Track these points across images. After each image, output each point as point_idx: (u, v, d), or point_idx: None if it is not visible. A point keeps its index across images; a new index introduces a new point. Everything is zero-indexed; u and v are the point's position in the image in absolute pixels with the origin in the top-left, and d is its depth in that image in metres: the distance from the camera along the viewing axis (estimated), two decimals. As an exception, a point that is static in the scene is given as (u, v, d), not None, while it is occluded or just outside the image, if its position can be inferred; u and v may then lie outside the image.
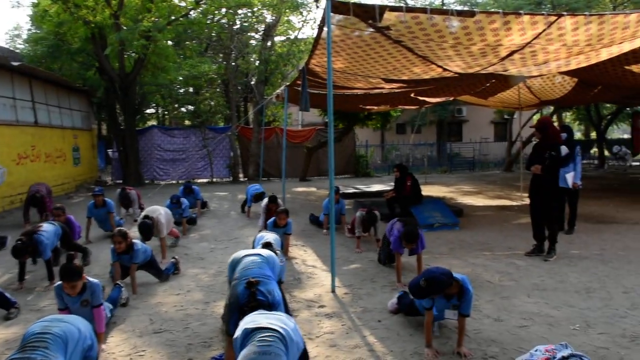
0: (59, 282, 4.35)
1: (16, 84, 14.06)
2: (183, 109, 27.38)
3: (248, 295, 3.61)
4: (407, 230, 5.86)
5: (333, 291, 5.81)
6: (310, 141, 21.94)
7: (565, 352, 2.94)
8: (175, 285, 6.24)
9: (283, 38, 24.80)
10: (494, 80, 11.38)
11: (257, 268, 4.00)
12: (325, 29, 5.84)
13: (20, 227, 9.85)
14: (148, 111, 30.29)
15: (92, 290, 4.39)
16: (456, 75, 9.07)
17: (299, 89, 9.65)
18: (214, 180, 21.18)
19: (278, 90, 13.61)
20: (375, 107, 16.09)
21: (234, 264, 4.31)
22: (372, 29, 6.48)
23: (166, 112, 31.86)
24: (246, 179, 21.02)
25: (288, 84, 11.85)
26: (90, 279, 4.47)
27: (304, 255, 7.73)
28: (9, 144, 13.21)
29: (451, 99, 15.41)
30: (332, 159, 5.93)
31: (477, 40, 6.75)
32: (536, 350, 3.20)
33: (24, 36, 29.62)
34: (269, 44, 21.86)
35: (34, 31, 23.61)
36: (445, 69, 8.59)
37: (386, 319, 4.90)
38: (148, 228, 7.06)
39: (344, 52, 7.75)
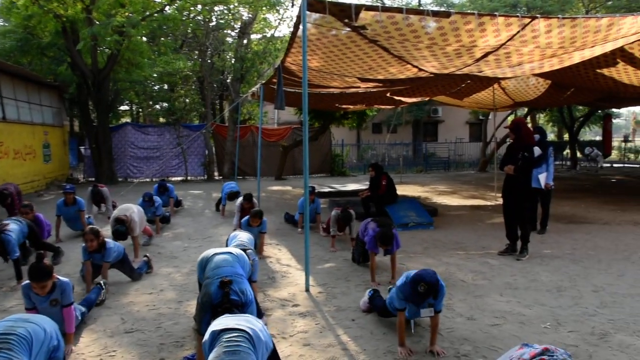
0: (27, 282, 4.24)
1: (-16, 78, 13.71)
2: (157, 106, 27.04)
3: (222, 295, 3.57)
4: (382, 232, 5.87)
5: (307, 290, 5.80)
6: (285, 140, 21.91)
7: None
8: (147, 284, 6.15)
9: (259, 36, 24.71)
10: (469, 82, 11.51)
11: (229, 267, 3.95)
12: (301, 27, 5.82)
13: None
14: (122, 108, 29.87)
15: (62, 289, 4.29)
16: (431, 75, 9.14)
17: (275, 87, 9.60)
18: (189, 178, 20.98)
19: (254, 88, 13.53)
20: (351, 106, 16.12)
21: (204, 262, 4.25)
22: (348, 28, 6.48)
23: (140, 109, 31.43)
24: (221, 177, 20.90)
25: (264, 82, 11.79)
26: (61, 277, 4.37)
27: (278, 254, 7.69)
28: (-24, 139, 12.88)
29: (427, 99, 15.52)
30: (307, 157, 5.91)
31: (452, 41, 6.80)
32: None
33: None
34: (245, 41, 21.77)
35: (2, 24, 23.00)
36: (420, 69, 8.64)
37: (360, 318, 4.90)
38: (122, 235, 6.94)
39: (319, 51, 7.73)
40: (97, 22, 16.57)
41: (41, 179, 17.11)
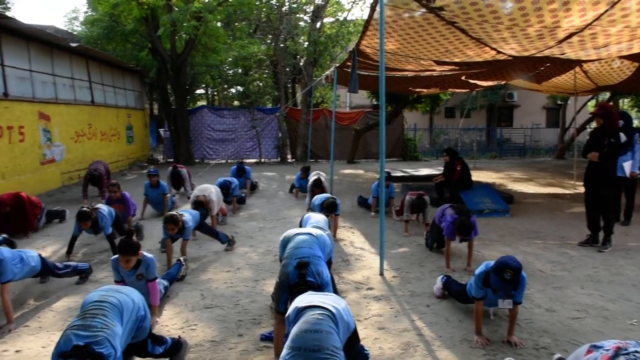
0: (116, 256, 4.51)
1: (74, 64, 14.55)
2: (232, 90, 27.64)
3: (298, 277, 3.65)
4: (461, 221, 5.71)
5: (381, 274, 5.82)
6: (358, 123, 21.85)
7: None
8: (225, 263, 6.38)
9: (332, 19, 24.66)
10: (548, 64, 11.02)
11: (307, 248, 3.99)
12: (377, 9, 5.77)
13: (78, 203, 10.26)
14: (198, 91, 30.76)
15: (147, 265, 4.53)
16: (510, 58, 8.83)
17: (349, 70, 9.59)
18: (262, 160, 21.40)
19: (327, 72, 13.55)
20: (425, 90, 15.84)
21: (285, 242, 4.34)
22: (424, 10, 6.36)
23: (215, 93, 32.28)
24: (294, 160, 21.15)
25: (337, 65, 11.79)
26: (146, 253, 4.61)
27: (352, 237, 7.75)
28: (68, 122, 13.72)
29: (503, 82, 15.01)
30: (384, 141, 5.88)
31: (534, 22, 6.53)
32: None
33: (81, 19, 30.43)
34: (318, 25, 21.78)
35: (90, 13, 24.25)
36: (499, 52, 8.36)
37: (435, 304, 4.88)
38: (202, 216, 7.19)
39: (395, 34, 7.63)
40: (176, 9, 17.12)
41: (124, 159, 18.03)
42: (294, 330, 2.76)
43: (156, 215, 9.39)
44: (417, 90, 15.82)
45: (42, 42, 12.70)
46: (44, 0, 76.88)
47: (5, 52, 11.19)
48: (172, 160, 19.97)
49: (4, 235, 6.75)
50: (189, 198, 9.40)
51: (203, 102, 31.62)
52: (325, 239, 4.37)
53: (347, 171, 17.46)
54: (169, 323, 4.52)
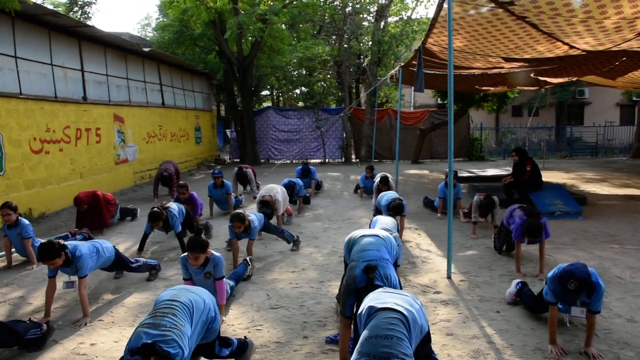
0: (185, 254, 4.62)
1: (147, 68, 15.12)
2: (297, 91, 27.88)
3: (365, 280, 3.58)
4: (530, 223, 5.46)
5: (449, 277, 5.68)
6: (423, 123, 21.52)
7: None
8: (290, 263, 6.41)
9: (396, 18, 24.39)
10: (624, 59, 10.44)
11: (375, 250, 3.90)
12: (445, 5, 5.63)
13: (149, 201, 10.65)
14: (263, 93, 31.21)
15: (215, 263, 4.61)
16: (583, 53, 8.42)
17: (414, 69, 9.44)
18: (327, 160, 21.46)
19: (392, 71, 13.41)
20: (492, 88, 15.38)
21: (351, 243, 4.24)
22: (494, 4, 6.16)
23: (280, 94, 32.66)
24: (358, 160, 21.09)
25: (402, 64, 11.64)
26: (214, 252, 4.70)
27: (418, 239, 7.62)
28: (140, 124, 14.27)
29: (574, 79, 14.35)
30: (452, 141, 5.74)
31: (611, 14, 6.18)
32: None
33: (153, 25, 31.61)
34: (382, 24, 21.60)
35: (161, 20, 25.15)
36: (572, 47, 7.99)
37: (505, 310, 4.70)
38: (267, 216, 7.29)
39: (463, 30, 7.44)
40: (243, 12, 17.46)
41: (193, 159, 18.57)
42: (365, 334, 2.70)
43: (222, 214, 9.58)
44: (484, 88, 15.39)
45: (118, 47, 13.27)
46: (120, 9, 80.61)
47: (85, 58, 11.77)
48: (238, 160, 20.38)
49: (85, 232, 7.09)
50: (254, 198, 9.58)
51: (268, 104, 32.06)
52: (392, 241, 4.26)
53: (412, 171, 17.22)
54: (234, 322, 4.57)
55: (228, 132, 24.16)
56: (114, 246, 5.47)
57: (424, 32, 19.54)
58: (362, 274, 3.61)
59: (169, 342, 2.84)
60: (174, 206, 6.96)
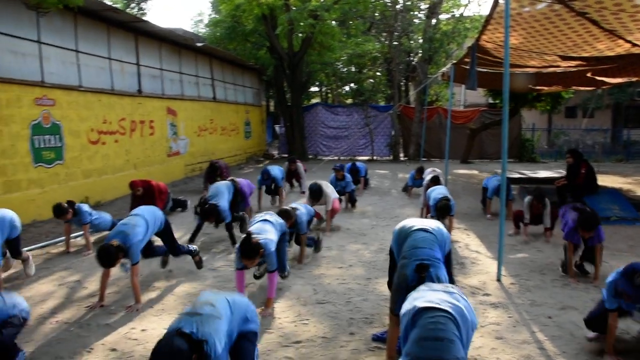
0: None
1: (199, 63, 15.43)
2: (346, 88, 27.85)
3: (417, 280, 3.49)
4: (586, 215, 5.29)
5: (499, 280, 5.55)
6: (473, 122, 21.12)
7: None
8: (337, 259, 6.42)
9: (448, 16, 24.01)
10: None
11: (427, 248, 3.78)
12: (501, 1, 5.50)
13: (200, 193, 10.85)
14: (312, 89, 31.32)
15: (267, 258, 4.65)
16: (647, 51, 8.08)
17: (466, 67, 9.26)
18: (375, 158, 21.36)
19: (444, 69, 13.23)
20: (546, 88, 14.94)
21: (402, 235, 4.10)
22: (552, 0, 5.97)
23: (329, 90, 32.70)
24: (406, 158, 20.91)
25: (454, 62, 11.45)
26: (269, 244, 4.74)
27: (467, 240, 7.48)
28: (192, 117, 14.59)
29: (634, 79, 13.78)
30: (506, 141, 5.62)
31: (682, 9, 5.91)
32: None
33: (205, 21, 32.16)
34: (433, 22, 21.31)
35: (214, 16, 25.56)
36: (635, 45, 7.67)
37: (558, 316, 4.55)
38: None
39: (519, 27, 7.25)
40: (294, 8, 17.53)
41: (242, 153, 18.85)
42: (413, 336, 2.61)
43: (271, 208, 9.67)
44: (538, 88, 14.97)
45: (172, 42, 13.58)
46: (173, 5, 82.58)
47: (141, 52, 12.10)
48: (286, 155, 20.53)
49: None
50: (302, 193, 9.64)
51: (317, 100, 32.16)
52: (442, 233, 4.06)
53: (461, 171, 16.95)
54: (281, 316, 4.61)
55: (277, 127, 24.38)
56: (165, 218, 5.58)
57: (477, 29, 19.24)
58: (414, 273, 3.54)
59: (204, 335, 2.74)
60: (222, 189, 7.14)
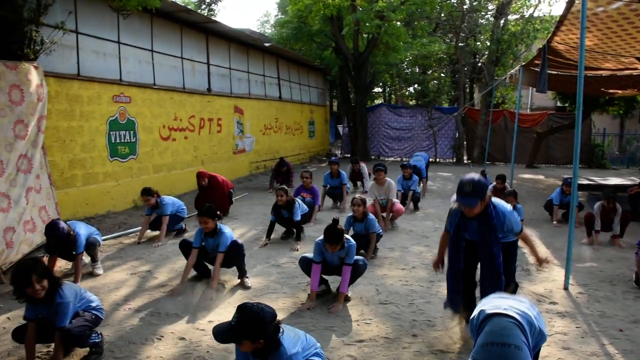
0: (321, 237, 4.80)
1: (266, 62, 15.72)
2: (410, 89, 27.61)
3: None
4: None
5: (566, 288, 5.39)
6: (540, 126, 20.46)
7: None
8: (400, 260, 6.41)
9: (517, 16, 23.31)
10: None
11: None
12: (577, 0, 5.32)
13: (263, 190, 11.08)
14: (375, 90, 31.23)
15: (348, 250, 4.76)
16: None
17: (536, 69, 9.01)
18: (438, 160, 21.10)
19: (512, 71, 12.89)
20: (620, 91, 14.27)
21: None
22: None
23: (392, 91, 32.51)
24: (470, 161, 20.54)
25: (523, 63, 11.15)
26: (350, 238, 4.87)
27: (533, 246, 7.29)
28: (258, 116, 14.89)
29: None
30: (579, 146, 5.43)
31: None
32: None
33: (271, 22, 32.73)
34: (501, 22, 20.77)
35: (280, 16, 25.95)
36: None
37: (630, 330, 4.36)
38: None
39: (594, 28, 6.99)
40: (360, 9, 17.57)
41: (305, 152, 19.07)
42: (479, 340, 2.60)
43: (330, 208, 9.77)
44: (611, 91, 14.34)
45: (240, 42, 13.90)
46: (240, 6, 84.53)
47: (211, 52, 12.47)
48: (349, 155, 20.60)
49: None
50: (365, 192, 9.68)
51: (380, 101, 32.05)
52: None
53: (526, 176, 16.48)
54: (344, 314, 4.65)
55: (340, 127, 24.49)
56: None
57: (547, 30, 18.64)
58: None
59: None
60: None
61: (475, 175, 3.77)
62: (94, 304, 3.91)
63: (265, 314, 2.80)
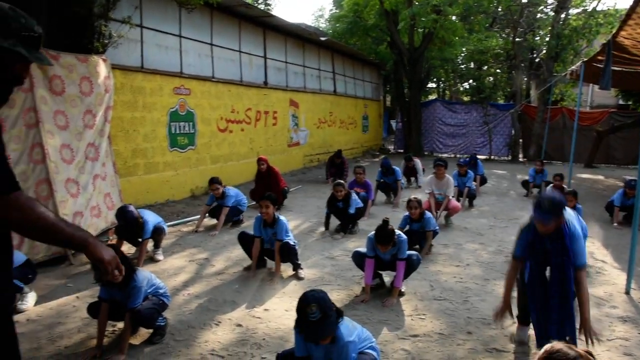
0: (372, 233, 4.83)
1: (321, 57, 15.81)
2: (466, 85, 27.16)
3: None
4: None
5: (627, 293, 5.22)
6: (600, 124, 19.69)
7: None
8: (454, 257, 6.36)
9: (578, 10, 22.46)
10: None
11: None
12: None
13: (316, 183, 11.19)
14: (429, 85, 30.87)
15: (400, 246, 4.78)
16: None
17: (599, 65, 8.71)
18: (493, 157, 20.71)
19: (574, 67, 12.49)
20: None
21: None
22: None
23: (447, 87, 32.05)
24: (525, 159, 20.04)
25: (585, 59, 10.79)
26: (401, 233, 4.88)
27: (591, 247, 7.07)
28: (313, 109, 15.02)
29: None
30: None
31: None
32: None
33: (326, 16, 32.84)
34: (562, 16, 20.06)
35: (335, 11, 25.98)
36: None
37: (698, 338, 4.22)
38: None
39: (666, 23, 6.72)
40: (416, 3, 17.39)
41: (359, 147, 19.12)
42: None
43: (383, 203, 9.78)
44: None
45: (297, 36, 14.03)
46: (295, 1, 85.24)
47: (268, 46, 12.65)
48: (402, 151, 20.48)
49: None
50: (419, 187, 9.65)
51: (433, 96, 31.67)
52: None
53: (584, 175, 15.95)
54: (396, 309, 4.68)
55: (393, 123, 24.37)
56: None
57: (610, 25, 17.91)
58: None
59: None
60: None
61: (555, 193, 3.65)
62: (161, 290, 4.09)
63: (328, 298, 2.94)
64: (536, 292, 3.61)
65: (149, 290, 3.92)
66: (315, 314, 2.80)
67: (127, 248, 6.32)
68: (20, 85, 1.89)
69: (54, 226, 1.80)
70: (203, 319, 4.39)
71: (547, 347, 2.08)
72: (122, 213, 5.54)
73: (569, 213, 3.63)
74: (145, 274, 3.97)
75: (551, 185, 8.70)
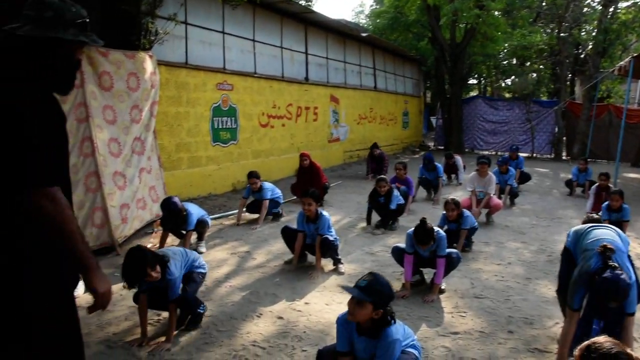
0: (412, 230, 4.83)
1: (362, 53, 15.81)
2: (508, 81, 26.67)
3: (601, 262, 3.22)
4: None
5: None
6: (648, 122, 19.02)
7: None
8: (495, 255, 6.30)
9: (628, 3, 21.74)
10: None
11: (610, 238, 3.52)
12: None
13: (356, 179, 11.22)
14: (470, 81, 30.47)
15: (439, 243, 4.77)
16: None
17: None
18: (535, 155, 20.28)
19: (622, 62, 12.13)
20: None
21: (579, 235, 3.83)
22: None
23: (488, 83, 31.54)
24: (569, 157, 19.55)
25: (635, 55, 10.47)
26: (441, 231, 4.87)
27: (637, 249, 6.90)
28: (353, 105, 15.06)
29: None
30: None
31: None
32: None
33: (366, 12, 32.76)
34: (610, 10, 19.42)
35: (375, 7, 25.88)
36: None
37: None
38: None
39: None
40: (459, -2, 17.17)
41: (399, 143, 19.07)
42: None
43: (426, 199, 9.75)
44: None
45: (337, 32, 14.07)
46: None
47: (309, 42, 12.74)
48: (442, 147, 20.30)
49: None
50: (460, 184, 9.58)
51: (475, 92, 31.23)
52: (622, 235, 3.78)
53: (631, 175, 15.47)
54: (436, 305, 4.67)
55: (433, 119, 24.16)
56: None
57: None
58: (598, 256, 3.28)
59: None
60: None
61: (620, 279, 3.11)
62: (196, 263, 4.22)
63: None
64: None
65: (184, 271, 4.03)
66: None
67: (172, 240, 6.48)
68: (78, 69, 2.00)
69: (73, 234, 1.87)
70: (245, 310, 4.47)
71: (588, 341, 2.06)
72: (167, 204, 5.69)
73: (620, 250, 3.40)
74: (177, 259, 3.97)
75: (596, 185, 8.47)
